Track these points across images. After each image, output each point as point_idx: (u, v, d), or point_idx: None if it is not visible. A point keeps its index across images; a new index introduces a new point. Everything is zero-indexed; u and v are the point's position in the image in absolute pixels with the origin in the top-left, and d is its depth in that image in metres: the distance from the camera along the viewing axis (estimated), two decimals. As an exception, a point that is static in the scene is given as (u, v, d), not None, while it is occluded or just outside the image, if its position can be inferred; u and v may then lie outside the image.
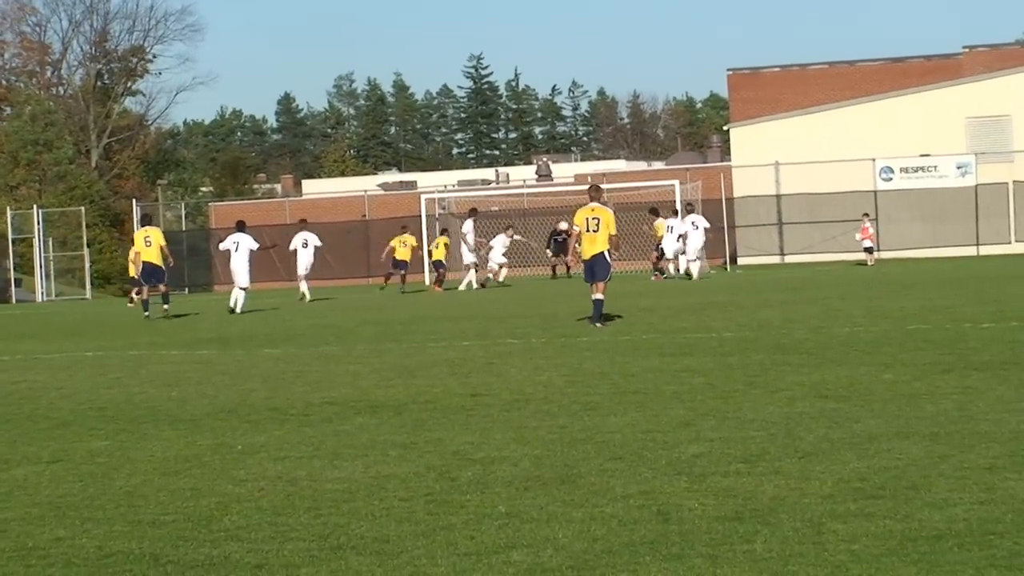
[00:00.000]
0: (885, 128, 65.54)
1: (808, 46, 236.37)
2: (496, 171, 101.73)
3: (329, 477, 10.43)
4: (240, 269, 39.09)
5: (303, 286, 45.51)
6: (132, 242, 40.45)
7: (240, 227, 40.46)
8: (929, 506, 8.48)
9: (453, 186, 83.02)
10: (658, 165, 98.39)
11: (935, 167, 64.53)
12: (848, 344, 19.22)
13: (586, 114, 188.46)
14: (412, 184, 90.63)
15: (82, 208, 76.27)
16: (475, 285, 49.42)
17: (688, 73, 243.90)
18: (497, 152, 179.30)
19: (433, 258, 53.12)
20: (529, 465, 10.53)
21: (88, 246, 74.68)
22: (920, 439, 10.92)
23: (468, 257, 50.02)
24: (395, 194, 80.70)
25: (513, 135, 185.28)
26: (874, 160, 64.62)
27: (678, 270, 50.52)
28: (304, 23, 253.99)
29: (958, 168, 64.25)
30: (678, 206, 53.31)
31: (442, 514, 8.88)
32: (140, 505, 9.67)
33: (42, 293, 68.81)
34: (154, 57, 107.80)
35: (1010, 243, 63.22)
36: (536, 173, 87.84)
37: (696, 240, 49.03)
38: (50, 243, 71.82)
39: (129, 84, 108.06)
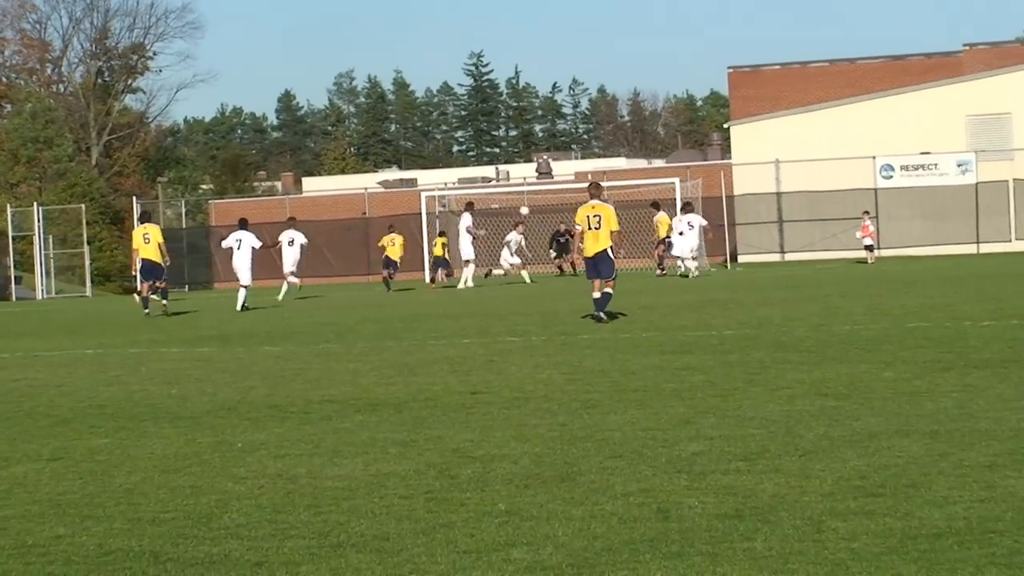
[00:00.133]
0: (885, 126, 65.54)
1: (809, 44, 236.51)
2: (496, 169, 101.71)
3: (329, 475, 10.43)
4: (242, 267, 39.18)
5: (285, 285, 45.66)
6: (131, 239, 40.46)
7: (243, 225, 40.56)
8: (929, 504, 8.48)
9: (453, 184, 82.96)
10: (658, 163, 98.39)
11: (935, 165, 64.52)
12: (848, 342, 19.22)
13: (586, 112, 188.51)
14: (412, 182, 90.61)
15: (82, 205, 76.28)
16: (470, 283, 49.42)
17: (688, 71, 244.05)
18: (497, 150, 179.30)
19: (434, 255, 53.28)
20: (529, 463, 10.53)
21: (88, 243, 74.67)
22: (920, 437, 10.92)
23: (467, 253, 49.98)
24: (395, 192, 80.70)
25: (513, 133, 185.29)
26: (874, 158, 64.62)
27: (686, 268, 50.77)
28: (304, 20, 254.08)
29: (958, 166, 64.25)
30: (678, 204, 53.38)
31: (442, 512, 8.88)
32: (140, 503, 9.67)
33: (42, 290, 68.81)
34: (154, 54, 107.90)
35: (1010, 241, 63.23)
36: (536, 171, 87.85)
37: (690, 240, 49.28)
38: (50, 240, 71.82)
39: (129, 81, 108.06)
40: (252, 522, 8.83)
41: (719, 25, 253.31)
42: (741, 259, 65.11)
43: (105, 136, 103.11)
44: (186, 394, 16.40)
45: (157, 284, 36.59)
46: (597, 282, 25.41)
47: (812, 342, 19.46)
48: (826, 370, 15.88)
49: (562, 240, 62.21)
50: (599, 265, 25.43)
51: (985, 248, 62.74)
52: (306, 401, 15.16)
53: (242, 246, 39.35)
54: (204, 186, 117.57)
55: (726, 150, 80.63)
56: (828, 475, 9.48)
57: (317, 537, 8.34)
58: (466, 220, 50.10)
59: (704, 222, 50.27)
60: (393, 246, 51.12)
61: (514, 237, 55.07)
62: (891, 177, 64.88)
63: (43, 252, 69.70)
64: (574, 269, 59.59)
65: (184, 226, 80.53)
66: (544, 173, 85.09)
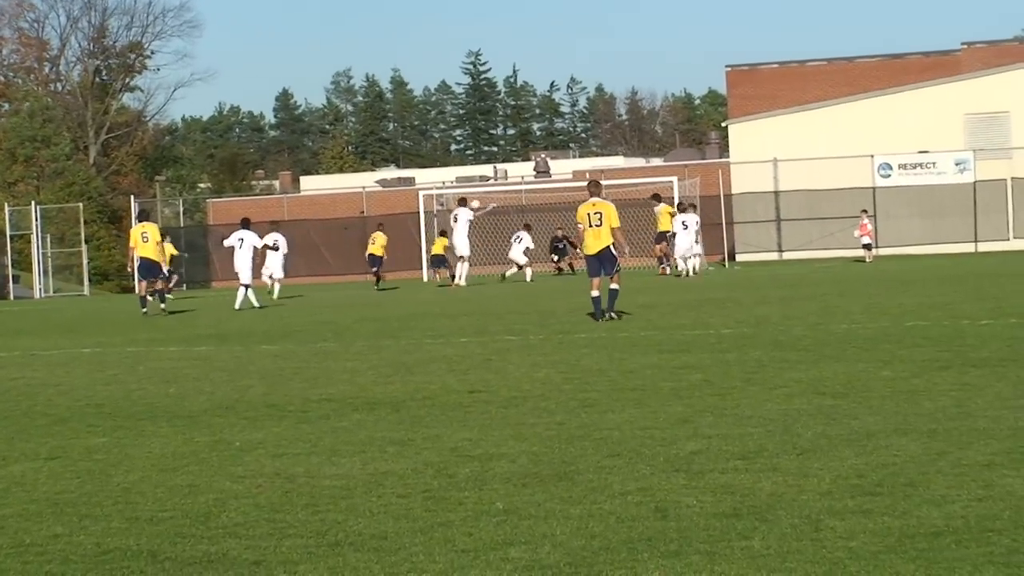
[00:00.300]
0: (884, 125, 65.55)
1: (807, 42, 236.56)
2: (494, 167, 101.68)
3: (327, 474, 10.43)
4: (244, 266, 39.28)
5: (276, 285, 45.76)
6: (129, 238, 40.47)
7: (245, 224, 40.74)
8: (927, 503, 8.47)
9: (451, 182, 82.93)
10: (656, 162, 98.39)
11: (933, 164, 64.54)
12: (846, 341, 19.21)
13: (584, 110, 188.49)
14: (410, 180, 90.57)
15: (80, 204, 76.24)
16: (462, 283, 49.41)
17: (686, 69, 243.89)
18: (495, 148, 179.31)
19: (432, 253, 53.36)
20: (527, 462, 10.52)
21: (86, 242, 74.66)
22: (918, 436, 10.92)
23: (463, 249, 49.93)
24: (393, 190, 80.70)
25: (511, 131, 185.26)
26: (872, 156, 64.63)
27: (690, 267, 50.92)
28: (302, 19, 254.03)
29: (956, 165, 64.27)
30: (675, 203, 53.44)
31: (440, 511, 8.87)
32: (138, 502, 9.66)
33: (40, 289, 68.79)
34: (152, 53, 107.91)
35: (1008, 240, 63.25)
36: (534, 169, 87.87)
37: (684, 240, 49.42)
38: (48, 239, 71.81)
39: (127, 80, 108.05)
40: (250, 521, 8.82)
41: (717, 24, 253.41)
42: (739, 258, 65.12)
43: (103, 135, 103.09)
44: (184, 393, 16.39)
45: (156, 284, 36.56)
46: (596, 280, 25.41)
47: (810, 341, 19.45)
48: (824, 369, 15.87)
49: (560, 246, 62.31)
50: (602, 262, 25.46)
51: (983, 247, 62.76)
52: (304, 400, 15.16)
53: (244, 245, 39.47)
54: (202, 185, 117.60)
55: (724, 149, 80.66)
56: (826, 474, 9.47)
57: (315, 536, 8.33)
58: (466, 213, 50.04)
59: (696, 221, 50.30)
60: (374, 244, 51.06)
61: (525, 235, 55.45)
62: (889, 176, 64.89)
63: (41, 251, 69.69)
64: (572, 269, 59.65)
65: (182, 225, 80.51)
66: (542, 172, 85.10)
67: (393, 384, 16.37)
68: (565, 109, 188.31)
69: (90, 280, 73.69)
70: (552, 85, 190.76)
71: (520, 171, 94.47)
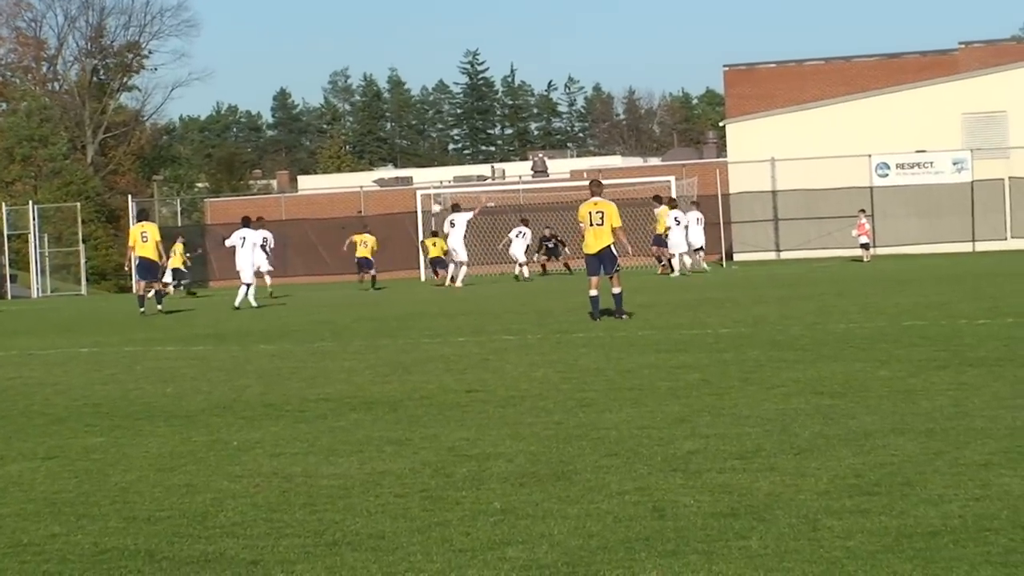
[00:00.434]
0: (881, 124, 65.55)
1: (804, 42, 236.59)
2: (492, 167, 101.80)
3: (324, 473, 10.42)
4: (244, 265, 39.34)
5: (268, 279, 46.01)
6: (128, 237, 40.49)
7: (246, 223, 40.84)
8: (924, 502, 8.48)
9: (449, 182, 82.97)
10: (654, 161, 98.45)
11: (931, 163, 64.55)
12: (844, 340, 19.22)
13: (582, 110, 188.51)
14: (408, 180, 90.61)
15: (77, 204, 76.22)
16: (460, 284, 49.38)
17: (684, 69, 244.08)
18: (493, 148, 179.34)
19: (430, 255, 53.38)
20: (524, 461, 10.52)
21: (83, 242, 74.64)
22: (915, 435, 10.92)
23: (461, 255, 49.86)
24: (391, 190, 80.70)
25: (509, 131, 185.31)
26: (870, 156, 64.62)
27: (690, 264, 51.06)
28: (299, 18, 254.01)
29: (954, 164, 64.27)
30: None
31: (437, 510, 8.87)
32: (135, 501, 9.66)
33: (37, 289, 68.79)
34: (150, 53, 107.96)
35: (1006, 239, 63.25)
36: (532, 169, 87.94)
37: (676, 236, 49.52)
38: (45, 239, 71.80)
39: (125, 80, 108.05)
40: (247, 520, 8.82)
41: (715, 24, 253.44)
42: (737, 257, 65.12)
43: (100, 134, 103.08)
44: (181, 392, 16.39)
45: (155, 285, 36.57)
46: (595, 279, 25.43)
47: (807, 340, 19.45)
48: (821, 368, 15.87)
49: (550, 245, 62.27)
50: (602, 261, 25.48)
51: (981, 246, 62.77)
52: (301, 399, 15.15)
53: (245, 244, 39.58)
54: (199, 184, 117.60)
55: (722, 148, 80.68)
56: (823, 473, 9.47)
57: (312, 536, 8.33)
58: (463, 217, 50.01)
59: (687, 221, 50.39)
60: (365, 247, 50.80)
61: (527, 231, 55.60)
62: (887, 175, 64.89)
63: (38, 250, 69.68)
64: (569, 269, 59.62)
65: (179, 224, 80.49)
66: (540, 171, 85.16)
67: (391, 384, 16.37)
68: (563, 109, 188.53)
69: (87, 280, 73.69)
70: (550, 85, 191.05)
71: (518, 171, 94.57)
